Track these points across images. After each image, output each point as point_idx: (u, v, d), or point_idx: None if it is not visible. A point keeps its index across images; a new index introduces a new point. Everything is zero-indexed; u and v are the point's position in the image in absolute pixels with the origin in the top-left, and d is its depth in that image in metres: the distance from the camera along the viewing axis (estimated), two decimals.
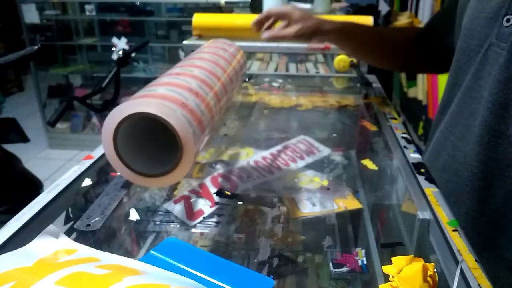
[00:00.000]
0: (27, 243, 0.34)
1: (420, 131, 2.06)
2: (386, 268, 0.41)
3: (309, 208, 0.61)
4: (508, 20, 0.47)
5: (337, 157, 0.77)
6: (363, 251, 0.52)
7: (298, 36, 0.69)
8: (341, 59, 1.21)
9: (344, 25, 0.73)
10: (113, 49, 2.67)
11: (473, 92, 0.51)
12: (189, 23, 1.19)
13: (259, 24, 0.74)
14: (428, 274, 0.39)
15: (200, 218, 0.59)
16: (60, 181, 0.57)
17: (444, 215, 0.51)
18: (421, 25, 2.00)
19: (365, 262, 0.51)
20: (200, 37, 1.18)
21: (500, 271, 0.51)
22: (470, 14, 0.56)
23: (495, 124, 0.47)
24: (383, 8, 2.99)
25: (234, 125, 0.92)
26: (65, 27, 3.31)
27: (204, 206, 0.61)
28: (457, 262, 0.40)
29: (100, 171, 0.64)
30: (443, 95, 0.65)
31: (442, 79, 1.62)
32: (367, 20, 1.15)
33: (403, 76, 2.29)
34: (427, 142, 0.70)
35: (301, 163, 0.73)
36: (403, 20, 2.28)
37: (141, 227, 0.59)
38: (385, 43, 0.77)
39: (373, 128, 0.81)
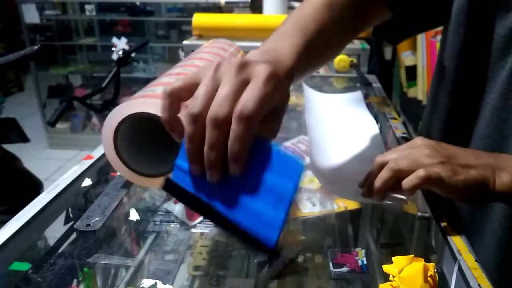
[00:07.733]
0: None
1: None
2: (386, 268, 0.41)
3: (309, 208, 0.61)
4: None
5: None
6: (363, 251, 0.52)
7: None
8: (341, 59, 1.21)
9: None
10: (113, 49, 2.67)
11: (503, 112, 0.49)
12: (189, 23, 1.19)
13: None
14: (429, 274, 0.39)
15: (200, 218, 0.59)
16: (60, 181, 0.57)
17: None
18: None
19: (365, 262, 0.50)
20: (200, 37, 1.18)
21: None
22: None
23: None
24: None
25: None
26: (65, 27, 3.31)
27: None
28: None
29: (100, 171, 0.64)
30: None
31: None
32: None
33: (403, 76, 2.29)
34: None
35: None
36: None
37: (141, 227, 0.59)
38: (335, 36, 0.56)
39: None
